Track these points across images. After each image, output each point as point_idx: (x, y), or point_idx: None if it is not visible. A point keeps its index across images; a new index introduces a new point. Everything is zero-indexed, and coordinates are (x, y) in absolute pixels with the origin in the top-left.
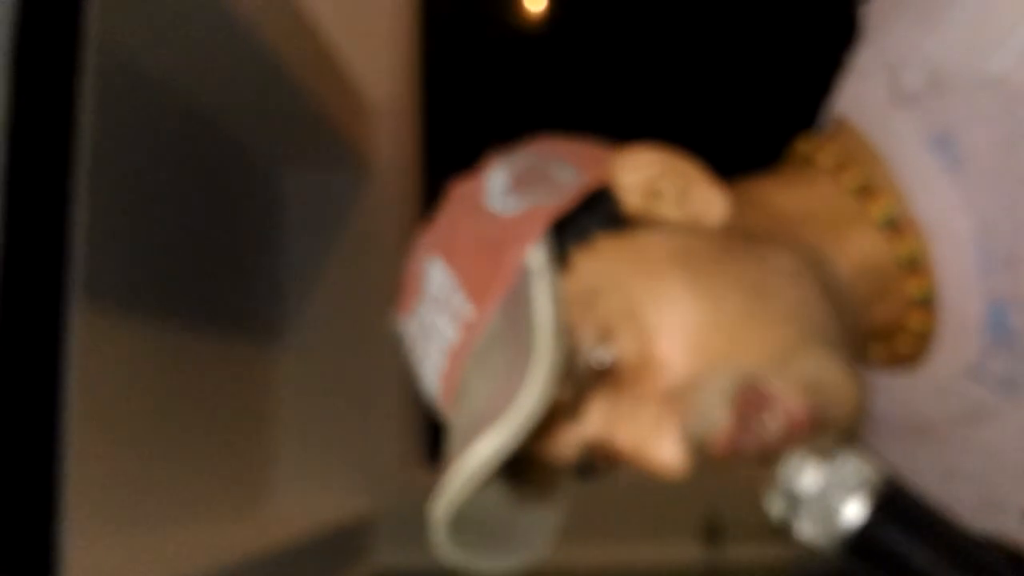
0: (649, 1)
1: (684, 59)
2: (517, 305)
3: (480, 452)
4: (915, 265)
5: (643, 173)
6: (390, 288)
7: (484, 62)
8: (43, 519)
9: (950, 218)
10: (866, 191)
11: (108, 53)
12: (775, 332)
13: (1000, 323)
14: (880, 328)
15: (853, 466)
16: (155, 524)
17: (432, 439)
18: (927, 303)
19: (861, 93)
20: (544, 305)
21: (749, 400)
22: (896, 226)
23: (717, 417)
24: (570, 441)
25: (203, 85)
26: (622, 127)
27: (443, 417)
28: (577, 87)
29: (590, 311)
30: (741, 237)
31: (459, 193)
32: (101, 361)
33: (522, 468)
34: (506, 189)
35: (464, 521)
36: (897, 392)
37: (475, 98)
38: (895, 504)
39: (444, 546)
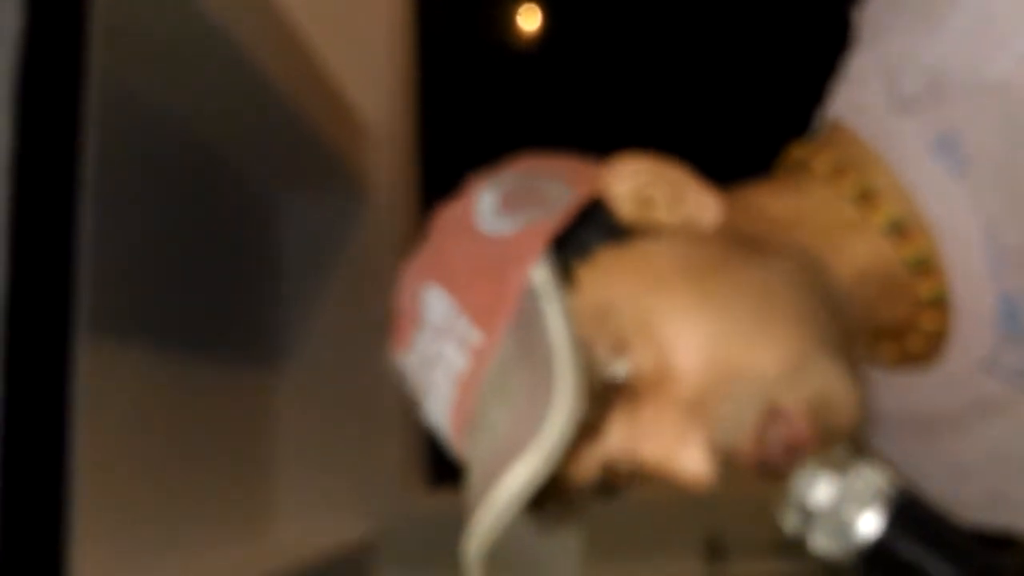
0: (643, 14)
1: (679, 66)
2: (527, 327)
3: (514, 482)
4: (924, 266)
5: (633, 181)
6: (389, 310)
7: (480, 81)
8: (51, 547)
9: (958, 218)
10: (866, 197)
11: (108, 86)
12: (786, 337)
13: (1012, 317)
14: (889, 328)
15: (866, 477)
16: (159, 551)
17: (434, 462)
18: (939, 303)
19: (858, 98)
20: (558, 325)
21: (770, 412)
22: (901, 230)
23: (745, 426)
24: (591, 460)
25: (200, 112)
26: (620, 140)
27: (452, 449)
28: (574, 104)
29: (601, 326)
30: (739, 243)
31: (446, 218)
32: (106, 392)
33: (540, 495)
34: (496, 209)
35: (494, 557)
36: (907, 389)
37: (472, 117)
38: (909, 514)
39: None
